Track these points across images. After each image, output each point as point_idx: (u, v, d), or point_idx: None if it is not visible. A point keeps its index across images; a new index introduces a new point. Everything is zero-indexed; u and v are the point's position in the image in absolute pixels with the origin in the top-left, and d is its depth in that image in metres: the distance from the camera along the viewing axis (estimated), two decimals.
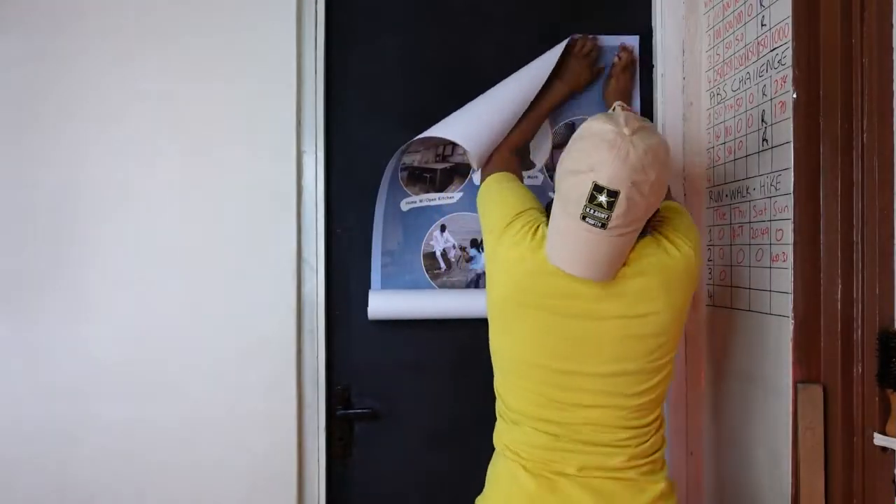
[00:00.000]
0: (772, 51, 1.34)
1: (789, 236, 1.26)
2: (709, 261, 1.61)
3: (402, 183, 1.63)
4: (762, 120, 1.37)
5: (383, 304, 1.57)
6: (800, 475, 1.21)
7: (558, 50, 1.53)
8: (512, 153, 1.48)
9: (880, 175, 1.14)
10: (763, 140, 1.37)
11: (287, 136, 1.57)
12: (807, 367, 1.24)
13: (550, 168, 1.66)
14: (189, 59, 1.55)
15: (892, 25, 1.12)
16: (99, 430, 1.52)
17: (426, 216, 1.64)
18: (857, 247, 1.19)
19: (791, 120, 1.25)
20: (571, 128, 1.66)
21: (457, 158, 1.64)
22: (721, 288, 1.54)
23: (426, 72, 1.66)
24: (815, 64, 1.24)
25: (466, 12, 1.67)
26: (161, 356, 1.54)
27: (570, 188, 1.07)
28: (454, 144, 1.57)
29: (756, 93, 1.40)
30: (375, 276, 1.61)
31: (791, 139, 1.25)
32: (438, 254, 1.64)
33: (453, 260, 1.64)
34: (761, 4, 1.38)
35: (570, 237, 1.10)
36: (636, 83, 1.66)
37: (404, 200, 1.63)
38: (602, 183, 1.04)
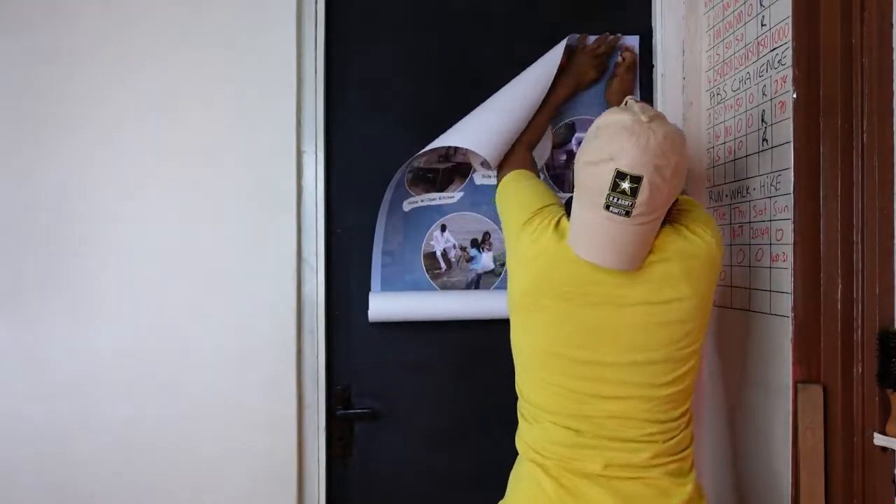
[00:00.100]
0: (772, 51, 1.34)
1: (789, 236, 1.26)
2: None
3: (405, 183, 1.63)
4: (762, 120, 1.37)
5: (384, 306, 1.57)
6: (800, 475, 1.21)
7: (561, 47, 1.53)
8: (527, 151, 1.49)
9: (880, 175, 1.14)
10: (763, 140, 1.37)
11: (287, 136, 1.57)
12: (807, 367, 1.24)
13: (551, 168, 1.66)
14: (189, 59, 1.55)
15: (892, 25, 1.12)
16: (99, 429, 1.52)
17: (426, 216, 1.64)
18: (857, 247, 1.19)
19: (791, 120, 1.25)
20: (572, 128, 1.66)
21: (458, 158, 1.64)
22: (721, 288, 1.54)
23: (426, 71, 1.66)
24: (815, 64, 1.24)
25: (466, 12, 1.67)
26: (161, 356, 1.54)
27: (592, 179, 1.08)
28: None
29: (756, 93, 1.40)
30: (376, 276, 1.61)
31: (791, 139, 1.25)
32: (439, 254, 1.64)
33: (454, 260, 1.64)
34: (761, 4, 1.38)
35: (594, 228, 1.09)
36: (637, 83, 1.66)
37: (406, 201, 1.63)
38: (624, 169, 1.04)
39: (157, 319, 1.54)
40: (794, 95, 1.24)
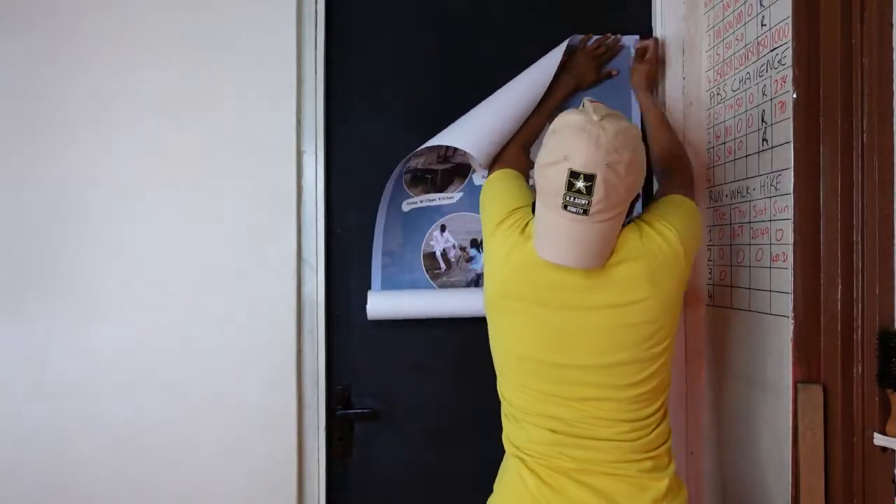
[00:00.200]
0: (772, 51, 1.34)
1: (789, 236, 1.26)
2: (709, 261, 1.61)
3: (403, 184, 1.63)
4: (762, 120, 1.37)
5: (382, 304, 1.57)
6: (800, 475, 1.21)
7: (561, 49, 1.53)
8: (521, 150, 1.49)
9: (880, 175, 1.14)
10: (763, 140, 1.37)
11: (287, 136, 1.57)
12: (807, 367, 1.24)
13: None
14: (189, 59, 1.55)
15: (892, 25, 1.12)
16: (99, 429, 1.52)
17: (426, 216, 1.64)
18: (857, 247, 1.19)
19: (791, 120, 1.25)
20: None
21: (458, 159, 1.64)
22: (721, 288, 1.54)
23: (426, 71, 1.66)
24: (815, 64, 1.24)
25: (466, 12, 1.67)
26: (161, 356, 1.54)
27: (548, 180, 1.09)
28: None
29: (756, 93, 1.40)
30: (375, 276, 1.61)
31: (791, 139, 1.25)
32: (438, 254, 1.64)
33: (453, 260, 1.64)
34: (761, 4, 1.38)
35: (555, 229, 1.10)
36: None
37: (405, 201, 1.63)
38: (577, 168, 1.06)
39: (157, 319, 1.54)
40: (794, 95, 1.24)
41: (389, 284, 1.62)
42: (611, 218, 1.09)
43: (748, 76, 1.43)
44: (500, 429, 1.29)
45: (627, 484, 1.17)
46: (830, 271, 1.22)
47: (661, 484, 1.18)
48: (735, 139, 1.49)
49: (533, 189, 1.22)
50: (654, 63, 1.61)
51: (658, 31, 1.67)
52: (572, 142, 1.06)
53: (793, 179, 1.24)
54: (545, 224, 1.12)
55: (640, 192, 1.17)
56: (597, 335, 1.17)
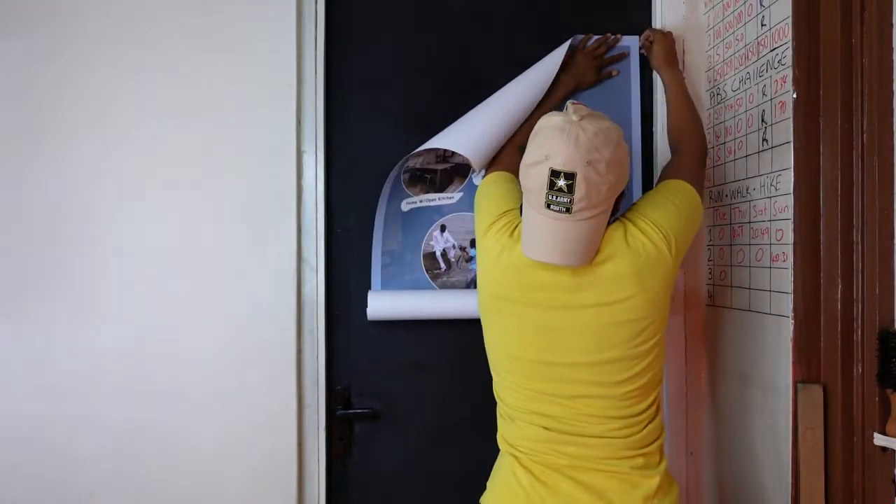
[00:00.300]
0: (772, 51, 1.34)
1: (789, 236, 1.26)
2: (709, 261, 1.61)
3: (402, 184, 1.63)
4: (762, 120, 1.37)
5: (382, 304, 1.56)
6: (800, 475, 1.21)
7: (563, 50, 1.53)
8: (518, 152, 1.49)
9: (880, 175, 1.14)
10: (763, 140, 1.37)
11: (287, 136, 1.57)
12: (807, 367, 1.24)
13: None
14: (189, 59, 1.55)
15: (892, 25, 1.12)
16: (99, 430, 1.52)
17: (426, 216, 1.64)
18: (857, 247, 1.19)
19: (791, 120, 1.25)
20: None
21: (457, 159, 1.64)
22: (721, 288, 1.54)
23: (426, 71, 1.66)
24: (815, 64, 1.24)
25: (466, 12, 1.67)
26: (161, 356, 1.54)
27: (532, 180, 1.11)
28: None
29: (756, 93, 1.40)
30: (375, 276, 1.61)
31: (791, 139, 1.25)
32: (438, 254, 1.64)
33: (453, 260, 1.64)
34: (761, 4, 1.38)
35: (540, 229, 1.13)
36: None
37: (405, 201, 1.63)
38: (558, 167, 1.08)
39: (157, 319, 1.54)
40: (794, 95, 1.24)
41: (389, 284, 1.62)
42: (594, 216, 1.11)
43: (748, 76, 1.43)
44: None
45: (619, 480, 1.19)
46: (830, 271, 1.22)
47: (653, 481, 1.19)
48: (735, 139, 1.49)
49: None
50: (663, 41, 1.58)
51: None
52: (553, 142, 1.09)
53: (793, 179, 1.24)
54: (530, 223, 1.15)
55: (625, 189, 1.17)
56: (585, 333, 1.19)
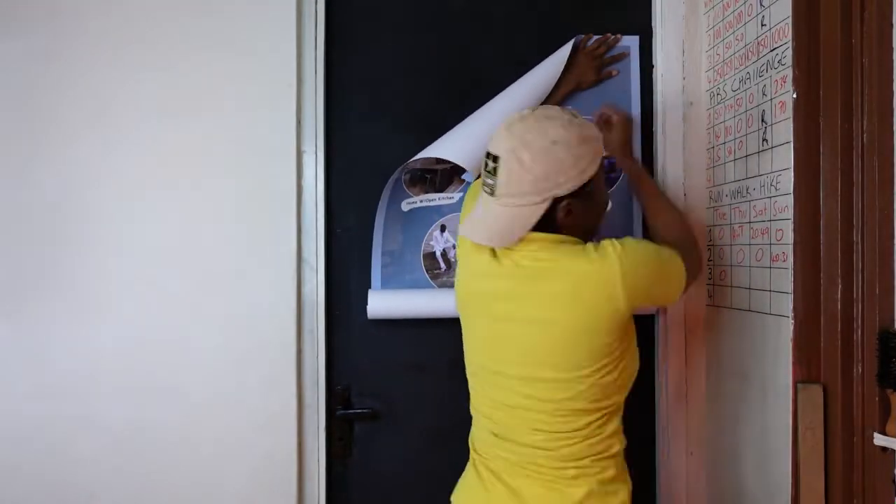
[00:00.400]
0: (772, 51, 1.34)
1: (789, 236, 1.26)
2: (709, 261, 1.61)
3: (403, 184, 1.63)
4: (762, 120, 1.37)
5: (382, 304, 1.57)
6: (800, 475, 1.21)
7: (565, 52, 1.53)
8: None
9: (880, 175, 1.14)
10: (763, 140, 1.37)
11: (287, 136, 1.57)
12: (807, 367, 1.24)
13: None
14: (189, 59, 1.55)
15: (892, 25, 1.12)
16: (99, 430, 1.52)
17: (426, 216, 1.64)
18: (857, 247, 1.19)
19: (791, 120, 1.25)
20: None
21: None
22: (721, 288, 1.54)
23: (426, 71, 1.66)
24: (815, 64, 1.24)
25: (466, 12, 1.67)
26: (161, 356, 1.54)
27: (481, 164, 1.19)
28: None
29: (756, 93, 1.40)
30: (375, 276, 1.61)
31: (791, 139, 1.25)
32: (438, 254, 1.64)
33: (453, 260, 1.64)
34: (761, 4, 1.38)
35: (478, 207, 1.19)
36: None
37: (405, 201, 1.63)
38: (489, 150, 1.16)
39: (157, 319, 1.54)
40: (794, 95, 1.24)
41: (389, 284, 1.62)
42: (521, 205, 1.13)
43: (748, 76, 1.43)
44: None
45: (547, 489, 1.19)
46: (830, 271, 1.22)
47: (579, 490, 1.17)
48: (735, 139, 1.48)
49: None
50: (621, 128, 1.50)
51: (658, 31, 1.67)
52: (499, 127, 1.18)
53: (793, 179, 1.24)
54: (476, 203, 1.21)
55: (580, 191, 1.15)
56: (519, 348, 1.20)
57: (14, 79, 1.52)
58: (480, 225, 1.18)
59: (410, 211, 1.63)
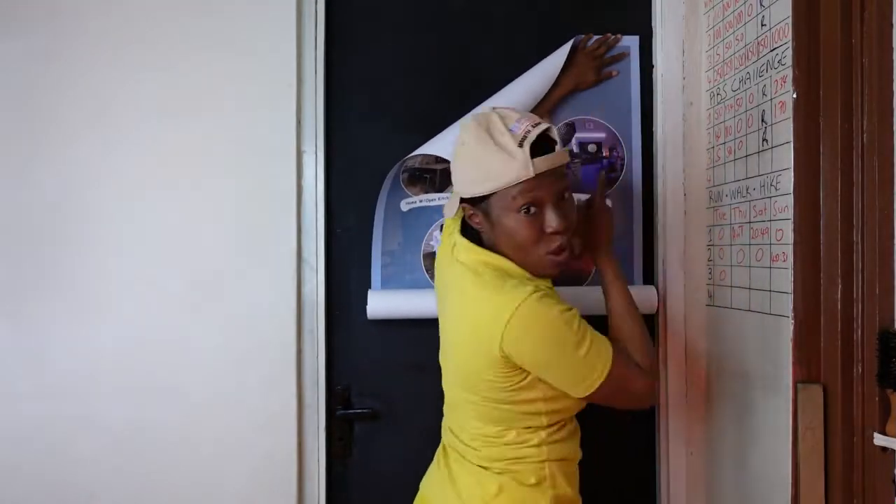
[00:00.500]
0: (772, 51, 1.34)
1: (789, 236, 1.26)
2: (709, 261, 1.61)
3: (402, 184, 1.63)
4: (762, 120, 1.37)
5: (382, 304, 1.57)
6: (800, 475, 1.21)
7: (563, 53, 1.53)
8: None
9: (880, 175, 1.14)
10: (763, 140, 1.37)
11: (287, 136, 1.57)
12: (807, 367, 1.24)
13: None
14: (189, 59, 1.55)
15: (892, 25, 1.12)
16: (99, 430, 1.52)
17: (426, 216, 1.64)
18: (857, 247, 1.19)
19: (791, 120, 1.25)
20: (572, 128, 1.66)
21: None
22: (721, 288, 1.54)
23: (426, 71, 1.66)
24: (815, 64, 1.23)
25: (466, 12, 1.67)
26: (161, 356, 1.54)
27: None
28: None
29: (756, 93, 1.40)
30: (375, 276, 1.61)
31: (791, 139, 1.25)
32: None
33: None
34: (761, 4, 1.38)
35: None
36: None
37: (404, 201, 1.63)
38: None
39: (157, 319, 1.54)
40: (794, 95, 1.24)
41: (389, 284, 1.62)
42: (454, 191, 1.24)
43: (748, 76, 1.43)
44: None
45: (473, 478, 1.23)
46: (830, 271, 1.22)
47: (494, 486, 1.19)
48: (735, 139, 1.48)
49: None
50: (607, 228, 1.33)
51: (658, 31, 1.67)
52: None
53: (793, 179, 1.24)
54: None
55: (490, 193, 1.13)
56: (444, 345, 1.30)
57: (14, 79, 1.52)
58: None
59: (410, 211, 1.63)
